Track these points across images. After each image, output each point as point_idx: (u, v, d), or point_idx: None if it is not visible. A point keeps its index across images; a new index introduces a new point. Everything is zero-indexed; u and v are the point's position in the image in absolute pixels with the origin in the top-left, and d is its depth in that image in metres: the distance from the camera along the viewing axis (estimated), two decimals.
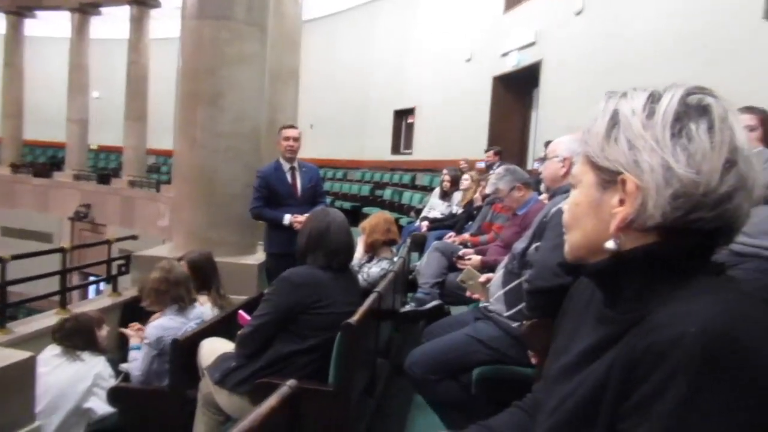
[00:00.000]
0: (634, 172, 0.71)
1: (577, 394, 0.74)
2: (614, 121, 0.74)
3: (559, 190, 2.10)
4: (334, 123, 14.68)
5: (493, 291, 2.23)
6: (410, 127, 13.41)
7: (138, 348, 3.06)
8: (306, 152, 4.24)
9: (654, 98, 0.72)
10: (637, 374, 0.64)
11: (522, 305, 1.99)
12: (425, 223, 5.69)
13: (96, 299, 5.62)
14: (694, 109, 0.70)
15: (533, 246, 2.01)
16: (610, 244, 0.74)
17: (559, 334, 0.92)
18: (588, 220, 0.78)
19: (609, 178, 0.74)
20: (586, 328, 0.83)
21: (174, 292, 3.05)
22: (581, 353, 0.79)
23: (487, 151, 7.11)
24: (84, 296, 8.83)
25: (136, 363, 2.98)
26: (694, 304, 0.64)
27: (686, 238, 0.70)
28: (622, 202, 0.73)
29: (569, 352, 0.84)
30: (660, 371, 0.61)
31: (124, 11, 15.41)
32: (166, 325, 2.98)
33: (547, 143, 3.67)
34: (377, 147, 14.01)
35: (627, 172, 0.71)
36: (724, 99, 0.72)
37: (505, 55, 9.62)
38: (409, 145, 13.42)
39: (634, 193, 0.71)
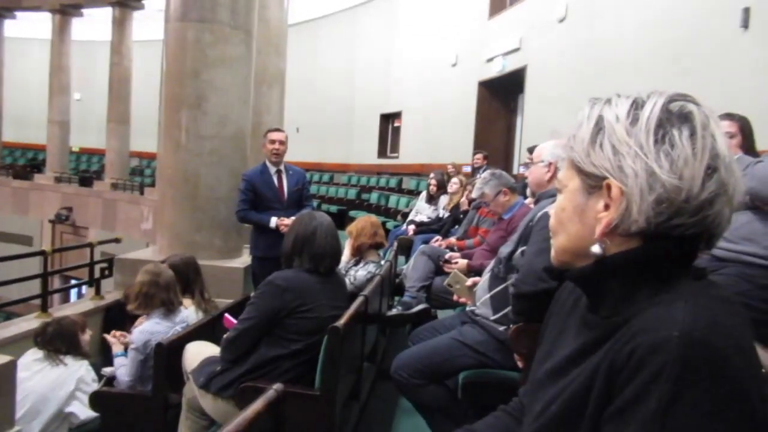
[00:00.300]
0: (618, 178, 0.72)
1: (562, 398, 0.75)
2: (599, 127, 0.76)
3: (545, 195, 2.12)
4: (321, 127, 14.67)
5: (480, 295, 2.24)
6: (396, 131, 13.45)
7: (123, 355, 3.02)
8: (292, 156, 4.24)
9: (637, 105, 0.74)
10: (620, 379, 0.65)
11: (508, 309, 2.01)
12: (412, 227, 5.70)
13: (78, 303, 5.54)
14: (676, 116, 0.71)
15: (519, 250, 2.02)
16: (595, 249, 0.76)
17: (545, 338, 0.93)
18: (573, 225, 0.80)
19: (594, 183, 0.76)
20: (570, 333, 0.84)
21: (162, 296, 3.02)
22: (566, 358, 0.80)
23: (475, 153, 7.16)
24: (65, 300, 8.70)
25: (124, 368, 2.94)
26: (675, 309, 0.65)
27: (668, 243, 0.71)
28: (606, 207, 0.74)
29: (554, 356, 0.85)
30: (641, 376, 0.62)
31: (106, 13, 15.25)
32: (152, 329, 2.95)
33: (531, 149, 3.71)
34: (364, 151, 14.03)
35: (612, 178, 0.72)
36: (706, 106, 0.73)
37: (490, 60, 9.70)
38: (395, 148, 13.45)
39: (618, 198, 0.72)
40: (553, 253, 0.85)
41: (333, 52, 14.65)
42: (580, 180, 0.78)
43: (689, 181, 0.68)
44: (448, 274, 2.69)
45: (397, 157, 13.20)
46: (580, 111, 0.80)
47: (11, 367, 2.60)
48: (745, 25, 4.87)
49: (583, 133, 0.77)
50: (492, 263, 2.27)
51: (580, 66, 7.19)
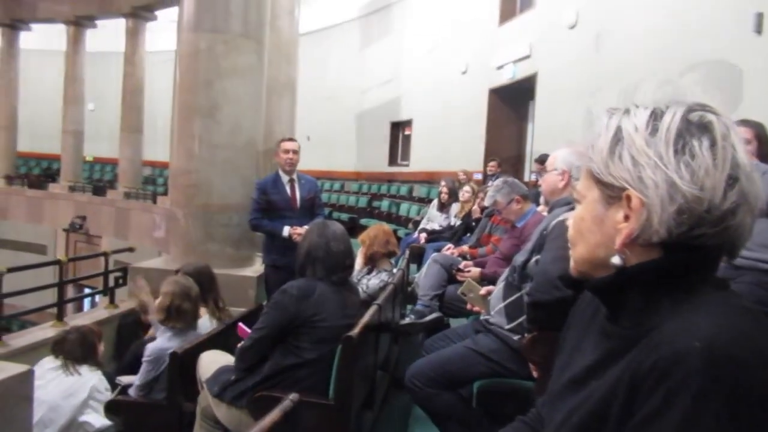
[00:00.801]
0: (638, 189, 0.72)
1: (583, 409, 0.75)
2: (618, 137, 0.75)
3: (558, 203, 2.11)
4: (331, 135, 14.71)
5: (494, 304, 2.24)
6: (407, 138, 13.47)
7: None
8: (303, 164, 4.27)
9: (656, 115, 0.73)
10: (642, 390, 0.65)
11: (523, 318, 2.00)
12: (423, 235, 5.70)
13: (92, 311, 5.58)
14: (696, 126, 0.71)
15: (533, 259, 2.02)
16: (615, 260, 0.75)
17: (564, 348, 0.93)
18: (592, 236, 0.79)
19: (613, 194, 0.75)
20: (590, 343, 0.84)
21: (189, 308, 3.03)
22: (586, 368, 0.80)
23: (491, 161, 7.16)
24: (79, 309, 8.77)
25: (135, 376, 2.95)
26: (697, 319, 0.65)
27: (690, 253, 0.71)
28: (626, 218, 0.74)
29: (574, 367, 0.84)
30: (663, 388, 0.62)
31: (120, 24, 15.46)
32: (163, 345, 2.94)
33: (541, 158, 3.69)
34: (374, 158, 14.05)
35: (632, 189, 0.72)
36: (726, 116, 0.73)
37: (500, 68, 9.70)
38: (406, 156, 13.46)
39: (638, 209, 0.72)
40: (572, 263, 0.85)
41: (343, 60, 14.73)
42: (599, 190, 0.78)
43: (710, 191, 0.68)
44: (460, 282, 2.69)
45: (407, 165, 13.21)
46: (598, 121, 0.80)
47: (29, 375, 2.62)
48: (758, 30, 4.84)
49: (601, 143, 0.77)
50: (506, 272, 2.27)
51: (591, 72, 7.17)
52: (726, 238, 0.70)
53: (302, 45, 9.22)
